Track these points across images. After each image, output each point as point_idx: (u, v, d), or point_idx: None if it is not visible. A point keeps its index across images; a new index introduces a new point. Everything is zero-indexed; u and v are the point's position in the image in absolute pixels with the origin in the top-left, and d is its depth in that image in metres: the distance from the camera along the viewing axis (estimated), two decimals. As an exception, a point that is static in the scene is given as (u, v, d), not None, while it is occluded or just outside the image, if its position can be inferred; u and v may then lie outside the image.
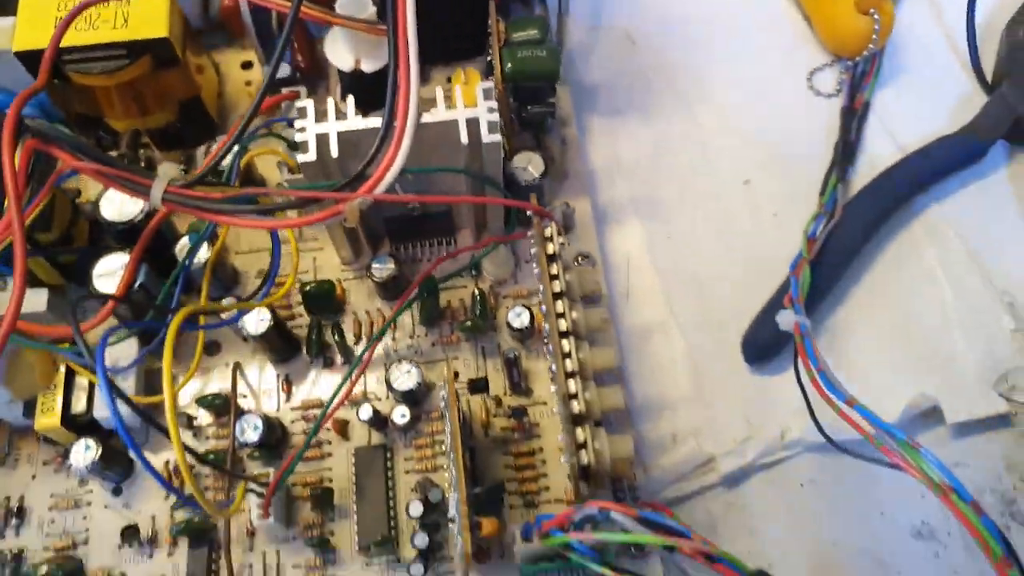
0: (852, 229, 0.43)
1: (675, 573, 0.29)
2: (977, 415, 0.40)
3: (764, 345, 0.42)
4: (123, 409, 0.27)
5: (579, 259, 0.41)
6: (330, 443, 0.38)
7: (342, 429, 0.38)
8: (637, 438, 0.40)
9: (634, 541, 0.27)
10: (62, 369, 0.36)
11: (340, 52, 0.39)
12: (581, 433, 0.31)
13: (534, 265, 0.35)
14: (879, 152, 0.47)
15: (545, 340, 0.38)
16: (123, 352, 0.36)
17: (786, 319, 0.37)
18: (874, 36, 0.48)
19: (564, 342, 0.32)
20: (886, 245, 0.45)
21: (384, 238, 0.42)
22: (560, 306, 0.33)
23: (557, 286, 0.34)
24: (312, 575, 0.35)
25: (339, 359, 0.40)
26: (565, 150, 0.45)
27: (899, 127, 0.48)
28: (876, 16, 0.47)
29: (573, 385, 0.32)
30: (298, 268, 0.39)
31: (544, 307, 0.34)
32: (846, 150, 0.47)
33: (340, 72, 0.41)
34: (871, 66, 0.49)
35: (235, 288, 0.41)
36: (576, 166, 0.45)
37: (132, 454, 0.29)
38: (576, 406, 0.31)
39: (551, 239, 0.34)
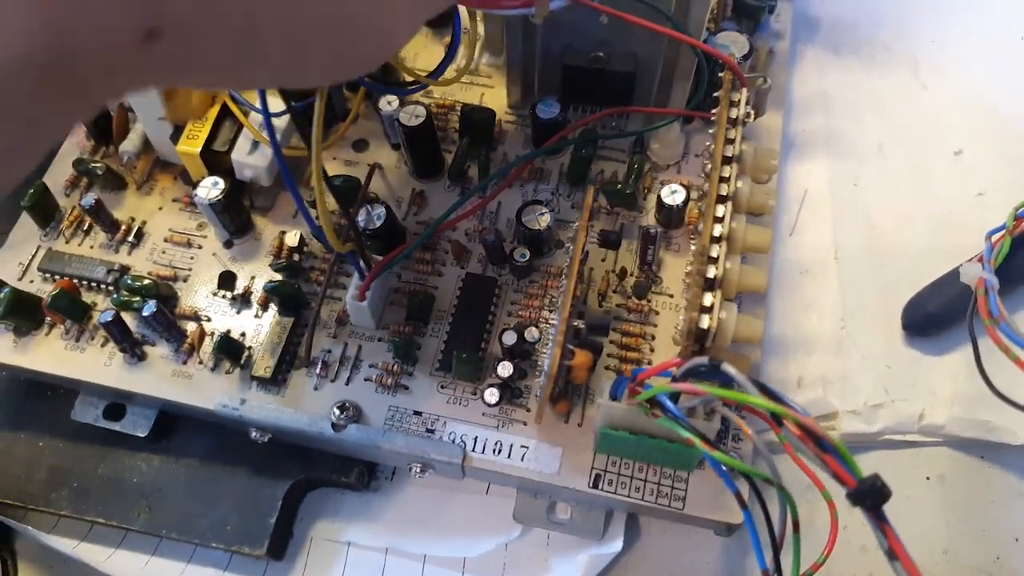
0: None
1: (763, 465, 0.25)
2: None
3: (931, 314, 0.37)
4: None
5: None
6: (443, 264, 0.36)
7: (460, 252, 0.36)
8: (762, 371, 0.36)
9: (743, 400, 0.23)
10: (218, 105, 0.36)
11: None
12: (709, 297, 0.28)
13: (704, 160, 0.32)
14: None
15: (693, 229, 0.35)
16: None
17: (971, 272, 0.32)
18: None
19: (719, 207, 0.29)
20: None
21: (557, 91, 0.40)
22: (727, 170, 0.30)
23: (730, 150, 0.30)
24: (384, 379, 0.33)
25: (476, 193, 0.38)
26: (771, 60, 0.41)
27: None
28: None
29: (716, 249, 0.28)
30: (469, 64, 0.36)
31: (706, 187, 0.30)
32: (1090, 148, 0.41)
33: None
34: None
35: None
36: (778, 80, 0.41)
37: (278, 166, 0.28)
38: (713, 270, 0.28)
39: (737, 104, 0.31)
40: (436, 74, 0.34)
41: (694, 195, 0.37)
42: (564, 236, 0.37)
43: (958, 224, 0.40)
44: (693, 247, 0.32)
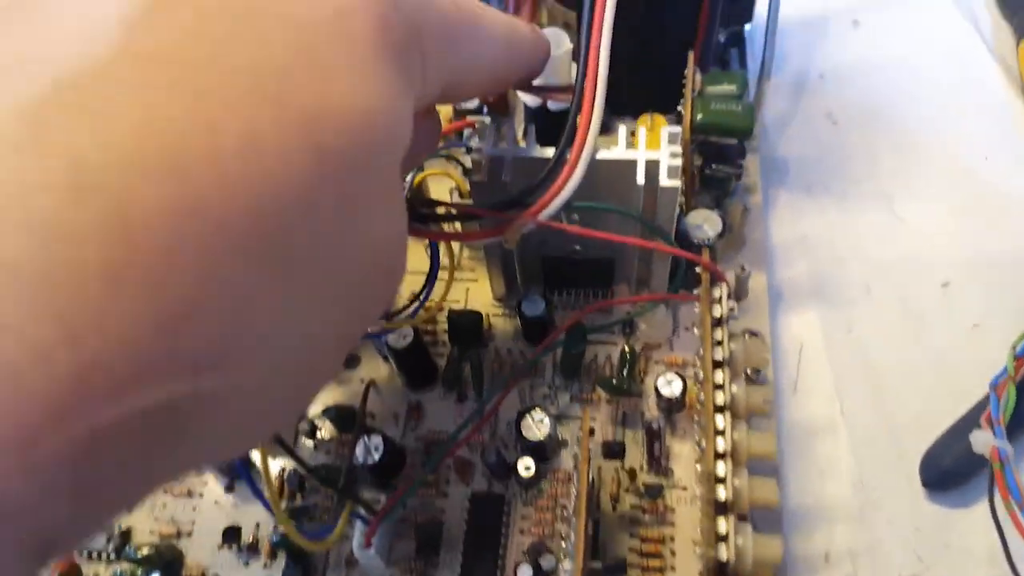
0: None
1: None
2: None
3: (948, 469, 0.36)
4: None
5: (747, 335, 0.37)
6: (448, 482, 0.35)
7: (463, 470, 0.35)
8: (785, 550, 0.35)
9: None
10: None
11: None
12: (723, 523, 0.27)
13: (695, 330, 0.32)
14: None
15: (696, 418, 0.35)
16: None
17: (982, 441, 0.31)
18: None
19: (718, 417, 0.29)
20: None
21: (539, 280, 0.40)
22: (719, 376, 0.30)
23: (719, 353, 0.30)
24: (403, 621, 0.32)
25: (472, 395, 0.38)
26: (746, 218, 0.41)
27: None
28: None
29: (722, 467, 0.28)
30: (448, 295, 0.37)
31: (700, 375, 0.30)
32: (1077, 266, 0.41)
33: (526, 107, 0.41)
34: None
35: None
36: (756, 235, 0.41)
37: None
38: (723, 492, 0.27)
39: (719, 301, 0.31)
40: (421, 303, 0.34)
41: (690, 373, 0.37)
42: (567, 433, 0.36)
43: (959, 361, 0.39)
44: (698, 446, 0.31)
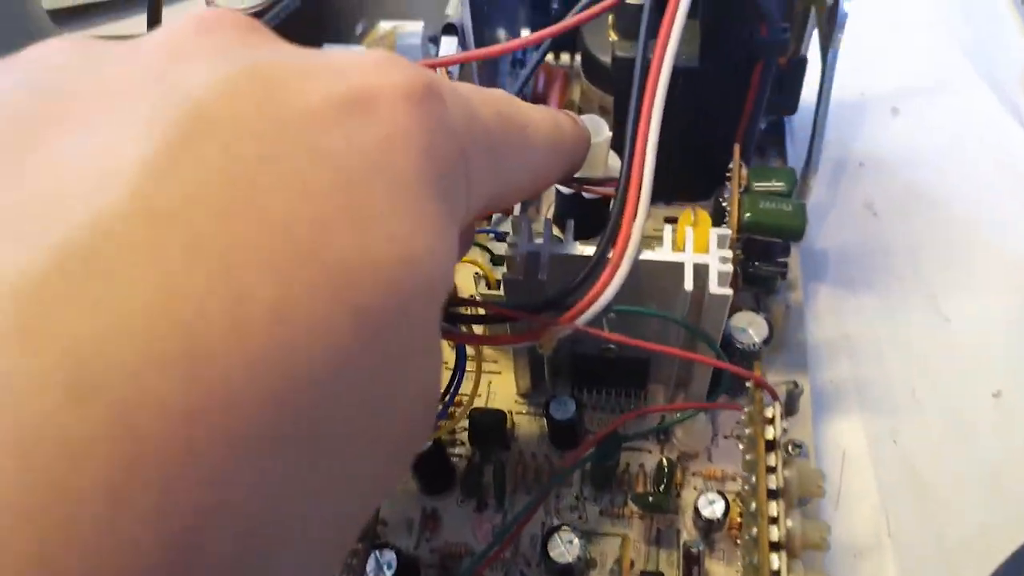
0: None
1: None
2: None
3: (1013, 605, 0.33)
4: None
5: (790, 447, 0.35)
6: (465, 602, 0.33)
7: (482, 589, 0.32)
8: None
9: None
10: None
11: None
12: None
13: (739, 445, 0.29)
14: None
15: (738, 541, 0.32)
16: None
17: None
18: None
19: (774, 557, 0.26)
20: None
21: (568, 376, 0.37)
22: (774, 508, 0.27)
23: (773, 482, 0.27)
24: None
25: (492, 503, 0.35)
26: (788, 317, 0.39)
27: None
28: None
29: (778, 616, 0.25)
30: (473, 392, 0.34)
31: (745, 497, 0.28)
32: None
33: (557, 192, 0.39)
34: None
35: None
36: (798, 337, 0.39)
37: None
38: (779, 645, 0.25)
39: (772, 422, 0.29)
40: (447, 407, 0.32)
41: (731, 489, 0.34)
42: (596, 552, 0.33)
43: (1015, 479, 0.36)
44: (747, 562, 0.28)
